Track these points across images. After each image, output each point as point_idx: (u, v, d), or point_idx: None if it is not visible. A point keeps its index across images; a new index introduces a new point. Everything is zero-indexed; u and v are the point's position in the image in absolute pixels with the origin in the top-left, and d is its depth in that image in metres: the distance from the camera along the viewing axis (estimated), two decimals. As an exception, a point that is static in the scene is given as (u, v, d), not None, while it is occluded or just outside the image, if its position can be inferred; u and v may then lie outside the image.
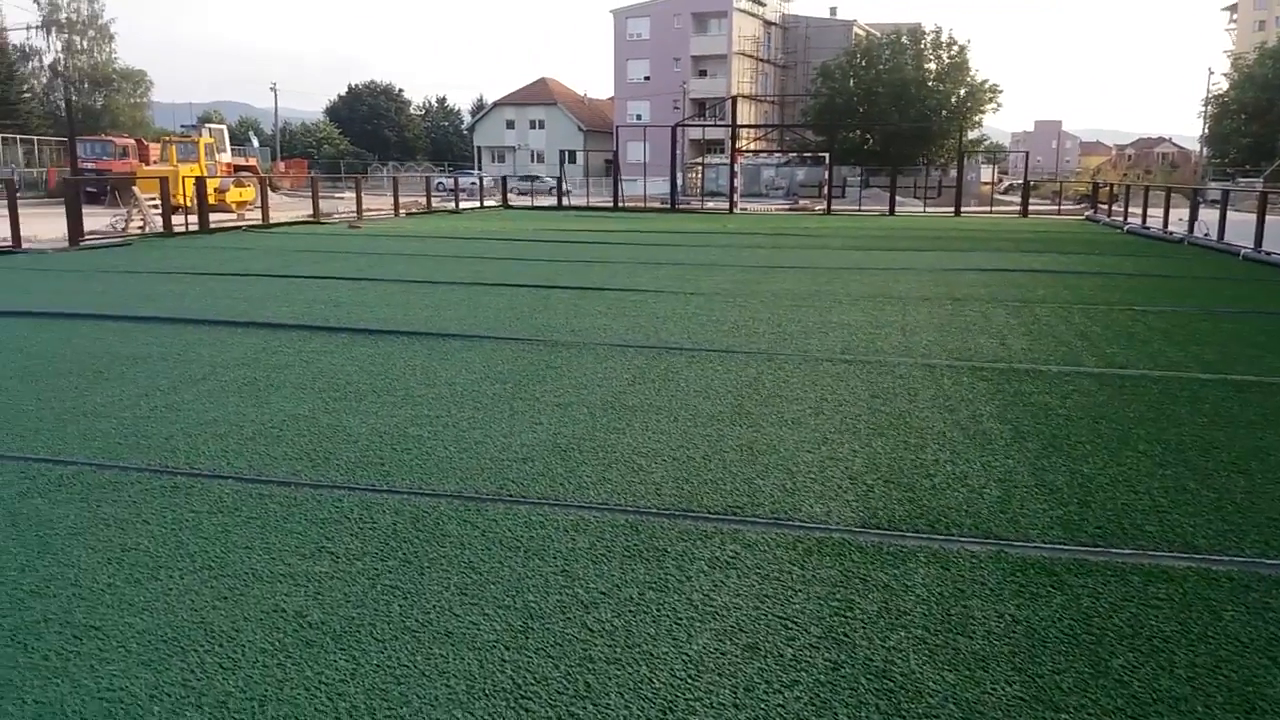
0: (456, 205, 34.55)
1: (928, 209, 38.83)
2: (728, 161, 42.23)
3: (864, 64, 60.27)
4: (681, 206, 39.37)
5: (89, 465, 4.55)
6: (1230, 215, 19.33)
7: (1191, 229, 20.63)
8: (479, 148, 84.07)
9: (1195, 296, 11.31)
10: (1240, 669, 2.83)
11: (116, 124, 57.54)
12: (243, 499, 4.13)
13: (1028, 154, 45.08)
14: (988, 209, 39.75)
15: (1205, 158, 66.55)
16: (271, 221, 24.12)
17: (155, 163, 34.48)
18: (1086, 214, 34.52)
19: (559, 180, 41.16)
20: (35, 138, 52.18)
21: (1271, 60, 57.69)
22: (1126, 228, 24.87)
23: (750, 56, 74.33)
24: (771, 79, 77.56)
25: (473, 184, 43.61)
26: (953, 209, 36.02)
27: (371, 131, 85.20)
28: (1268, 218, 17.44)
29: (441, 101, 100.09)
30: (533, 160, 78.23)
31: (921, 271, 13.86)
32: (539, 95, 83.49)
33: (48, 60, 61.31)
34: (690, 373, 6.67)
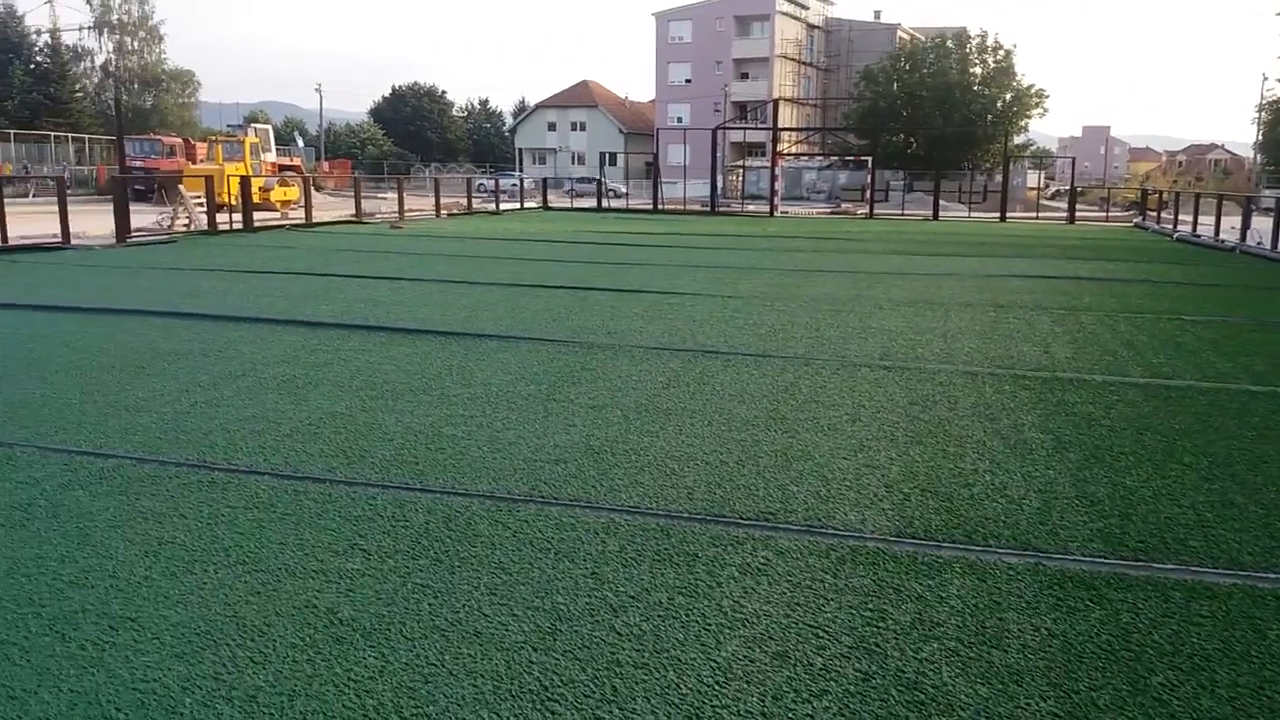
0: (497, 206, 34.75)
1: (972, 214, 38.43)
2: (768, 164, 42.07)
3: (908, 67, 59.79)
4: (721, 209, 39.30)
5: (129, 459, 4.61)
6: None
7: (1244, 237, 20.23)
8: (520, 149, 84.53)
9: (1246, 306, 11.08)
10: (1285, 690, 2.75)
11: (165, 123, 58.56)
12: (278, 495, 4.16)
13: (1074, 159, 44.41)
14: (1033, 215, 39.25)
15: (1259, 164, 65.23)
16: (314, 221, 24.40)
17: (202, 162, 35.06)
18: (1135, 221, 34.00)
19: (599, 182, 41.23)
20: (86, 136, 53.28)
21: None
22: (1176, 235, 24.45)
23: (792, 59, 74.05)
24: (814, 82, 77.21)
25: (513, 185, 43.80)
26: (998, 214, 35.62)
27: (414, 133, 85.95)
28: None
29: (484, 103, 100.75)
30: (573, 162, 78.46)
31: (964, 277, 13.71)
32: (580, 97, 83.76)
33: (99, 60, 62.58)
34: (726, 377, 6.64)
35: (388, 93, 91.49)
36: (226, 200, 23.42)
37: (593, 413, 5.58)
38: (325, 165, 60.97)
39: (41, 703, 2.57)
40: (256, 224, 21.84)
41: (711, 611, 3.15)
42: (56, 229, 16.63)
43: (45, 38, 60.26)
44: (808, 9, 75.68)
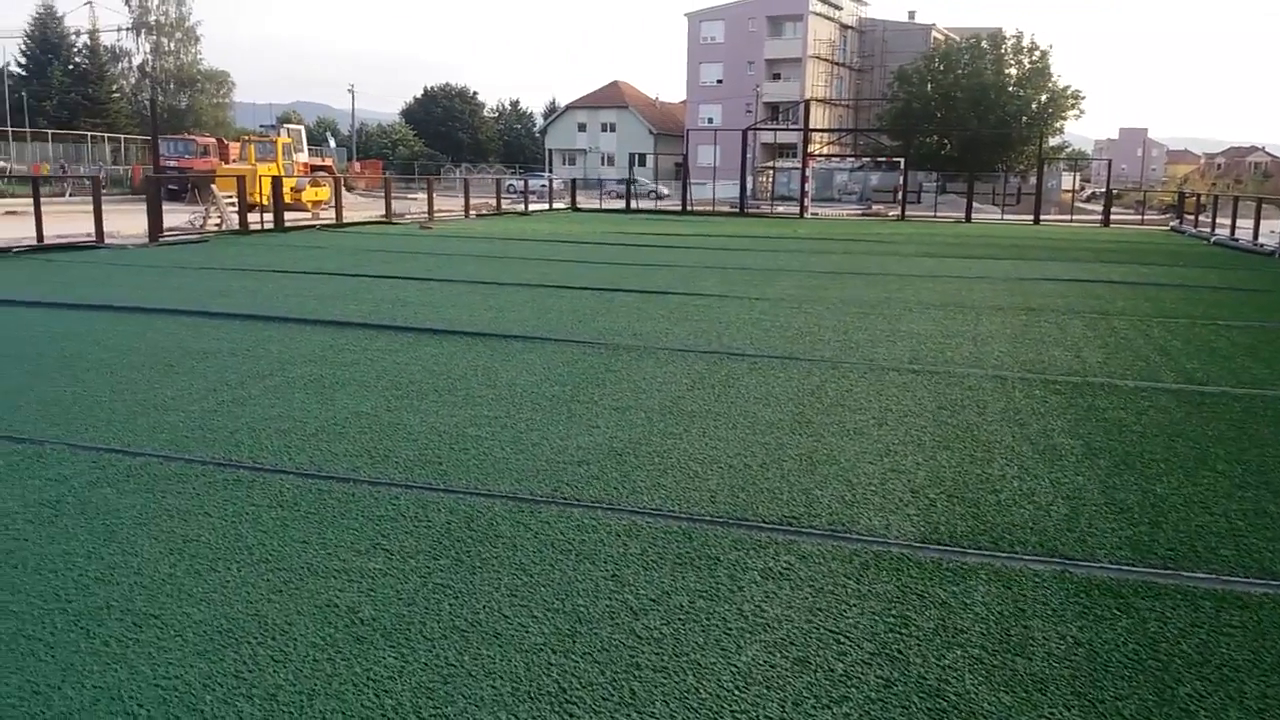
0: (525, 207, 34.83)
1: (1005, 216, 38.09)
2: (799, 165, 41.92)
3: (942, 68, 59.34)
4: (751, 211, 39.20)
5: (157, 457, 4.65)
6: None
7: (1282, 241, 19.92)
8: (550, 150, 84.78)
9: (1282, 311, 10.90)
10: (1318, 704, 2.69)
11: (200, 123, 59.26)
12: (302, 494, 4.19)
13: (1110, 162, 43.93)
14: (1068, 218, 38.85)
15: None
16: (345, 221, 24.58)
17: (235, 161, 35.41)
18: (1171, 224, 33.57)
19: (628, 183, 41.24)
20: (122, 136, 54.00)
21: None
22: (1214, 239, 24.11)
23: (825, 60, 73.74)
24: (846, 83, 76.85)
25: (542, 186, 43.90)
26: (1031, 217, 35.30)
27: (445, 133, 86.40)
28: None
29: (515, 104, 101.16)
30: (603, 163, 78.56)
31: (996, 280, 13.58)
32: (611, 98, 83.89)
33: (136, 61, 63.46)
34: (751, 379, 6.61)
35: (420, 93, 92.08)
36: (258, 200, 23.64)
37: (616, 414, 5.58)
38: (357, 165, 61.44)
39: (65, 698, 2.59)
40: (288, 224, 22.03)
41: (732, 616, 3.13)
42: (91, 228, 16.86)
43: (84, 39, 61.25)
44: (841, 9, 75.35)
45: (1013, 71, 58.45)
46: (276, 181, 23.16)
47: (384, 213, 26.67)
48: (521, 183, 42.83)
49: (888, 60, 70.82)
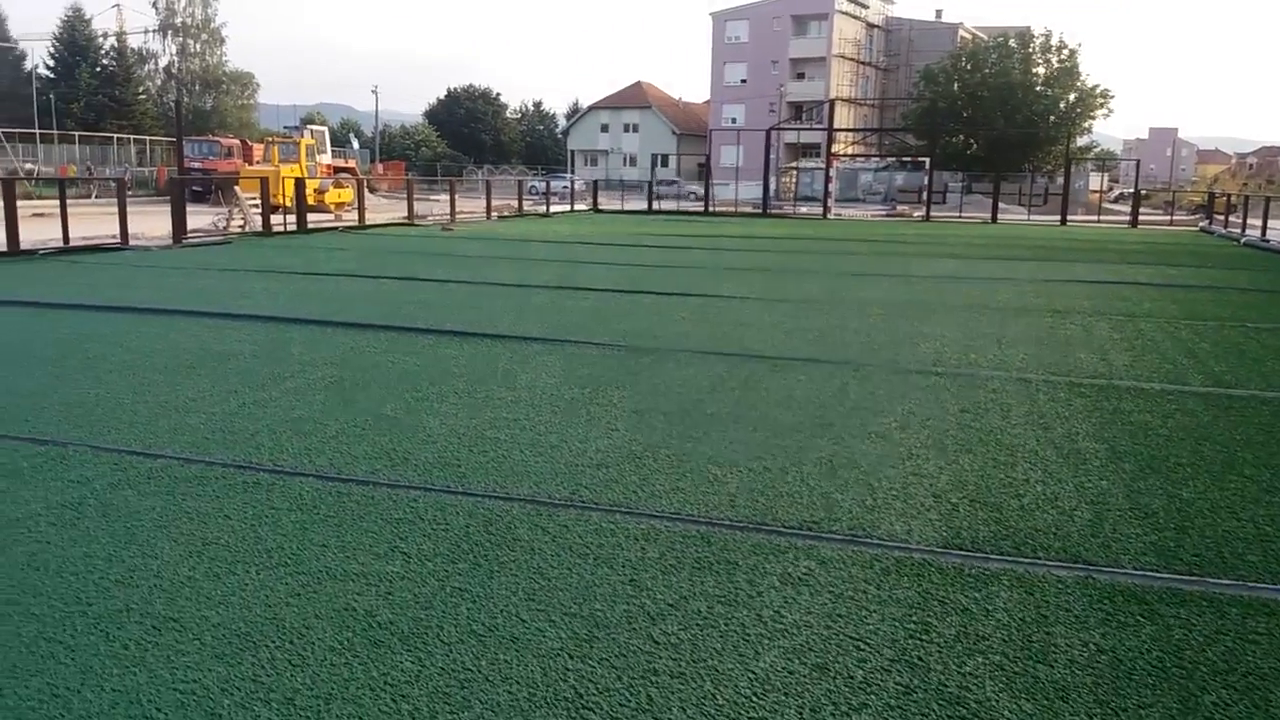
0: (547, 208, 34.91)
1: (1032, 217, 37.83)
2: (823, 166, 41.76)
3: (969, 67, 58.98)
4: (774, 211, 39.10)
5: (177, 459, 4.68)
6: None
7: (1313, 241, 19.65)
8: (572, 151, 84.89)
9: (1313, 312, 10.74)
10: (1348, 716, 2.64)
11: (224, 124, 59.79)
12: (322, 496, 4.19)
13: (1139, 162, 43.48)
14: (1095, 218, 38.53)
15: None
16: (367, 222, 24.70)
17: (259, 163, 35.64)
18: (1201, 225, 33.22)
19: (650, 184, 41.22)
20: (148, 138, 54.54)
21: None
22: (1244, 240, 23.83)
23: (850, 59, 73.44)
24: (872, 82, 76.52)
25: (564, 187, 43.97)
26: (1058, 218, 35.03)
27: (468, 134, 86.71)
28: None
29: (537, 105, 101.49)
30: (625, 164, 78.59)
31: (1022, 282, 13.48)
32: (634, 99, 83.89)
33: (162, 63, 64.10)
34: (772, 382, 6.57)
35: (443, 94, 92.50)
36: (281, 202, 23.79)
37: (635, 417, 5.56)
38: (379, 167, 61.75)
39: (84, 701, 2.60)
40: (311, 225, 22.16)
41: (751, 621, 3.10)
42: (116, 230, 17.02)
43: (111, 41, 61.91)
44: (867, 8, 75.01)
45: (1040, 71, 58.03)
46: (300, 183, 23.30)
47: (406, 214, 26.78)
48: (543, 184, 42.93)
49: (914, 59, 70.48)
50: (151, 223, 20.00)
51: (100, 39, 61.17)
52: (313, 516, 3.95)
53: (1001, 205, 37.16)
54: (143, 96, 61.62)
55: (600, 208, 39.30)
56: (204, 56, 64.06)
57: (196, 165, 35.80)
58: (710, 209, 38.75)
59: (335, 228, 23.54)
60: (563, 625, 3.06)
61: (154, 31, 62.80)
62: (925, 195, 38.47)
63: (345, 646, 2.90)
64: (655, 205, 39.47)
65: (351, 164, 41.97)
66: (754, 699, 2.66)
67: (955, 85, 58.63)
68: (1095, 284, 13.32)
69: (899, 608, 3.22)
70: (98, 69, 59.24)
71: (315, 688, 2.68)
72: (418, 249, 17.79)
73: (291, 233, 21.28)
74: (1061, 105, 57.07)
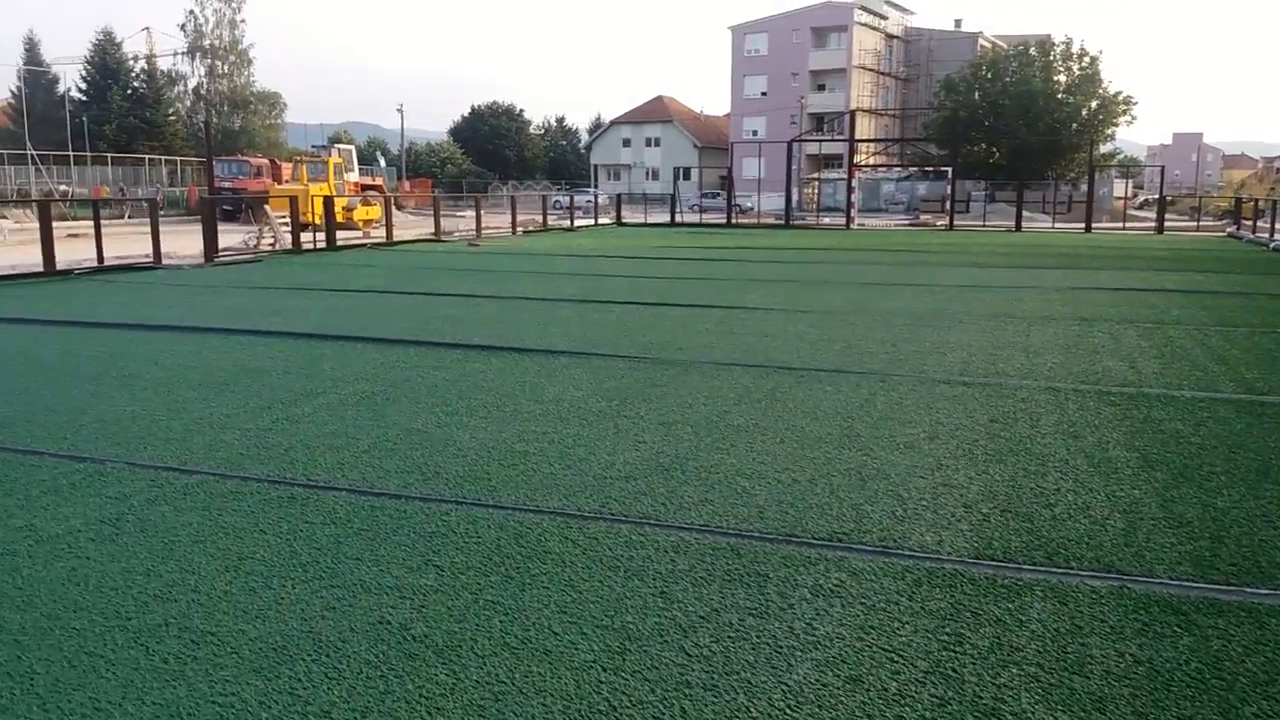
0: (571, 223, 35.04)
1: (1056, 225, 37.63)
2: (845, 176, 41.70)
3: (990, 76, 58.79)
4: (796, 223, 39.07)
5: (213, 475, 4.74)
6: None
7: (1344, 246, 19.41)
8: (595, 166, 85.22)
9: (1347, 318, 10.61)
10: (1391, 726, 2.61)
11: (253, 144, 60.45)
12: (355, 510, 4.23)
13: (1163, 168, 43.16)
14: (1120, 225, 38.24)
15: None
16: (395, 239, 24.89)
17: (287, 182, 36.02)
18: (1228, 231, 32.89)
19: (673, 197, 41.29)
20: (179, 158, 55.27)
21: None
22: (1273, 245, 23.57)
23: (871, 70, 73.42)
24: (892, 92, 76.42)
25: (588, 202, 44.14)
26: (1083, 225, 34.79)
27: (493, 151, 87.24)
28: None
29: (560, 121, 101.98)
30: (647, 178, 78.80)
31: (1048, 290, 13.40)
32: (655, 113, 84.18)
33: (192, 84, 64.91)
34: (798, 393, 6.57)
35: (467, 112, 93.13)
36: (310, 220, 24.02)
37: (663, 429, 5.57)
38: (406, 184, 62.21)
39: (125, 714, 2.64)
40: (339, 243, 22.36)
41: (783, 633, 3.11)
42: (149, 249, 17.25)
43: (142, 64, 62.80)
44: (886, 19, 75.02)
45: (1062, 78, 57.74)
46: (328, 201, 23.53)
47: (433, 231, 26.98)
48: (567, 199, 43.11)
49: (934, 69, 70.38)
50: (183, 242, 20.27)
51: (131, 62, 62.07)
52: (347, 530, 3.99)
53: (1025, 213, 36.96)
54: (173, 118, 62.44)
55: (623, 221, 39.40)
56: (232, 77, 64.81)
57: (227, 185, 36.25)
58: (733, 221, 38.76)
59: (364, 245, 23.74)
60: (595, 638, 3.07)
61: (183, 54, 63.68)
62: (948, 204, 38.31)
63: (381, 660, 2.93)
64: (678, 217, 39.52)
65: (379, 182, 42.33)
66: (787, 711, 2.67)
67: (976, 94, 58.42)
68: (1122, 291, 13.22)
69: (932, 619, 3.21)
70: (129, 91, 60.09)
71: (352, 701, 2.71)
72: (444, 265, 17.92)
73: (321, 250, 21.48)
74: (1084, 113, 56.74)
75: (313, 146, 54.36)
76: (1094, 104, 57.05)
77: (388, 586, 3.44)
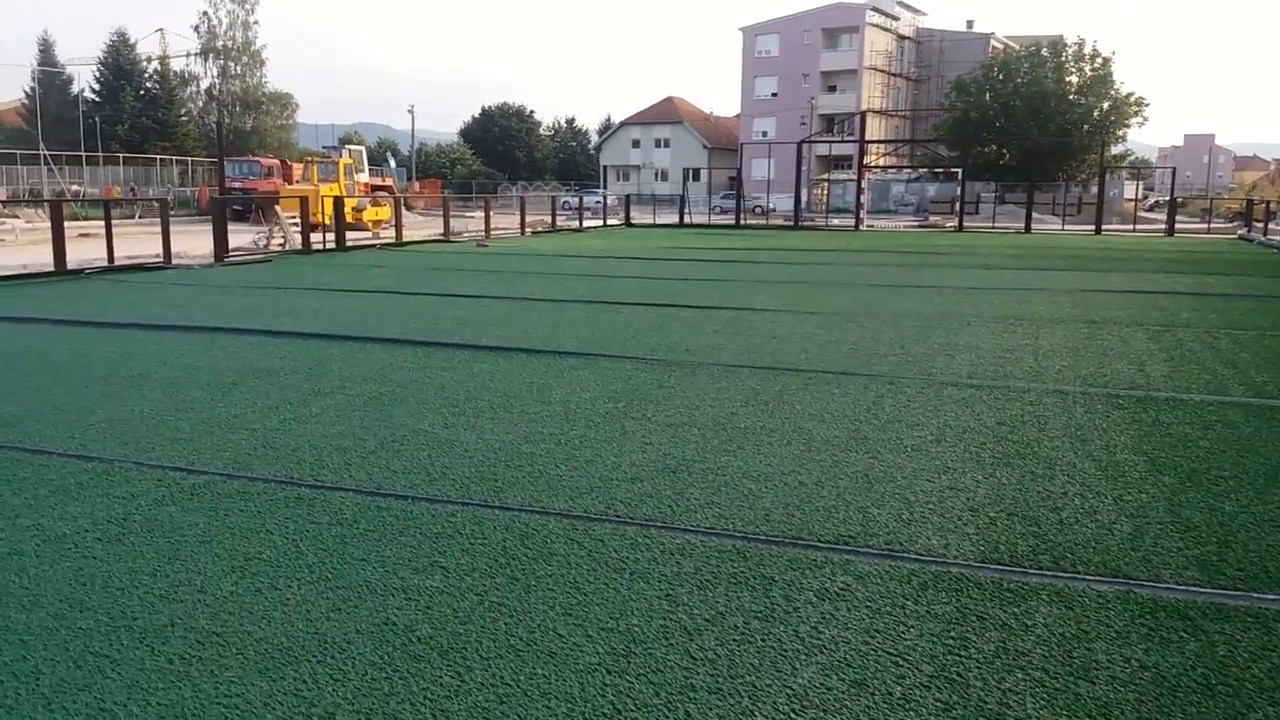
0: (580, 224, 35.06)
1: (1066, 227, 37.50)
2: (855, 177, 41.64)
3: (1001, 77, 58.65)
4: (806, 224, 39.02)
5: (220, 475, 4.75)
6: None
7: (1356, 248, 19.31)
8: (604, 167, 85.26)
9: (1359, 321, 10.55)
10: (1399, 733, 2.59)
11: (264, 144, 60.60)
12: (362, 511, 4.24)
13: (1174, 170, 42.98)
14: (1131, 227, 38.11)
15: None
16: (404, 240, 24.93)
17: (298, 182, 36.12)
18: (1239, 233, 32.74)
19: (682, 198, 41.28)
20: (190, 159, 55.46)
21: None
22: (1283, 247, 23.45)
23: (882, 71, 73.29)
24: (903, 93, 76.28)
25: (597, 203, 44.17)
26: (1093, 227, 34.68)
27: (503, 152, 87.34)
28: None
29: (570, 122, 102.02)
30: (657, 179, 78.82)
31: (1057, 292, 13.36)
32: (665, 114, 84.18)
33: (204, 85, 65.10)
34: (806, 395, 6.56)
35: (477, 113, 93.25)
36: (320, 220, 24.08)
37: (669, 431, 5.57)
38: (416, 185, 62.35)
39: (130, 715, 2.65)
40: (349, 243, 22.41)
41: (788, 637, 3.10)
42: (160, 249, 17.31)
43: (155, 64, 63.02)
44: (898, 20, 74.89)
45: (1074, 79, 57.58)
46: (338, 201, 23.58)
47: (442, 231, 27.02)
48: (576, 199, 43.13)
49: (945, 70, 70.22)
50: (194, 242, 20.34)
51: (144, 63, 62.28)
52: (353, 531, 4.00)
53: (1035, 215, 36.87)
54: (185, 118, 62.62)
55: (632, 222, 39.41)
56: (244, 78, 64.96)
57: (237, 185, 36.35)
58: (741, 222, 38.73)
59: (373, 245, 23.79)
60: (600, 640, 3.07)
61: (196, 55, 63.86)
62: (958, 206, 38.23)
63: (386, 661, 2.93)
64: (687, 219, 39.52)
65: (389, 182, 42.42)
66: (792, 715, 2.66)
67: (987, 95, 58.30)
68: (1131, 294, 13.17)
69: (937, 623, 3.20)
70: (141, 92, 60.30)
71: (357, 703, 2.71)
72: (454, 265, 17.95)
73: (330, 250, 21.53)
74: (1095, 114, 56.56)
75: (323, 147, 54.53)
76: (1105, 105, 56.87)
77: (393, 588, 3.45)
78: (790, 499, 4.40)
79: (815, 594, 3.42)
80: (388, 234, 27.15)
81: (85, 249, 17.85)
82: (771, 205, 47.06)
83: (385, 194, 36.03)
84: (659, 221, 40.05)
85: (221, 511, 4.24)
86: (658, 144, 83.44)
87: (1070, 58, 57.98)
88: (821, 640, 3.08)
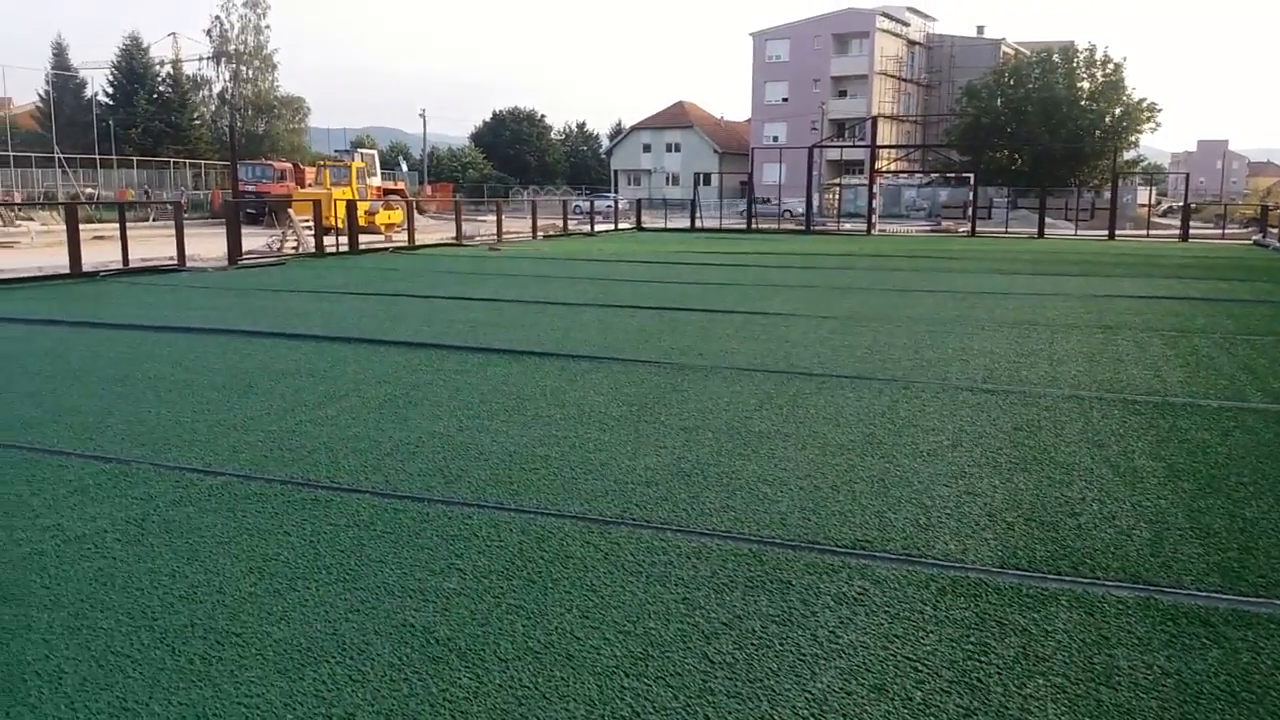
0: (592, 228, 35.09)
1: (1079, 232, 37.36)
2: (866, 182, 41.59)
3: (1012, 83, 58.55)
4: (817, 229, 38.98)
5: (237, 476, 4.77)
6: None
7: (1372, 254, 19.19)
8: (615, 171, 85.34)
9: (1376, 328, 10.49)
10: None
11: (276, 148, 60.85)
12: (378, 513, 4.25)
13: (1188, 175, 42.80)
14: (1144, 233, 37.94)
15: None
16: (417, 243, 24.98)
17: (310, 185, 36.23)
18: (1254, 238, 32.58)
19: (693, 202, 41.27)
20: (203, 162, 55.74)
21: None
22: (1298, 253, 23.33)
23: (892, 76, 73.25)
24: (914, 99, 76.21)
25: (608, 207, 44.20)
26: (1106, 232, 34.55)
27: (514, 156, 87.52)
28: None
29: (581, 126, 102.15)
30: (667, 183, 78.87)
31: (1071, 297, 13.31)
32: (676, 118, 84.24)
33: (217, 89, 65.44)
34: (820, 399, 6.55)
35: (489, 117, 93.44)
36: (333, 223, 24.15)
37: (684, 434, 5.57)
38: (428, 189, 62.48)
39: (151, 714, 2.66)
40: (362, 246, 22.47)
41: (806, 641, 3.09)
42: (173, 252, 17.39)
43: (168, 69, 63.39)
44: (909, 26, 74.85)
45: (1085, 85, 57.46)
46: (351, 205, 23.66)
47: (454, 235, 27.08)
48: (587, 203, 43.17)
49: (956, 75, 70.12)
50: (207, 244, 20.42)
51: (157, 67, 62.69)
52: (370, 533, 4.01)
53: (1048, 220, 36.76)
54: (198, 122, 62.98)
55: (644, 226, 39.43)
56: (256, 82, 65.27)
57: (250, 188, 36.47)
58: (752, 227, 38.71)
59: (386, 248, 23.85)
60: (617, 643, 3.07)
61: (208, 59, 64.21)
62: (970, 211, 38.14)
63: (404, 663, 2.94)
64: (698, 223, 39.52)
65: (401, 186, 42.50)
66: None
67: (999, 100, 58.21)
68: (1146, 299, 13.11)
69: (956, 628, 3.19)
70: (155, 96, 60.67)
71: (376, 704, 2.71)
72: (466, 269, 17.98)
73: (343, 253, 21.60)
74: (1107, 119, 56.41)
75: (335, 151, 54.73)
76: (1117, 111, 56.73)
77: (411, 589, 3.45)
78: (806, 503, 4.40)
79: (833, 598, 3.41)
80: (400, 237, 27.21)
81: (100, 251, 17.93)
82: (789, 209, 46.97)
83: (397, 198, 36.13)
84: (670, 225, 40.04)
85: (239, 513, 4.25)
86: (668, 148, 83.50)
87: (1082, 63, 57.87)
88: (840, 645, 3.07)
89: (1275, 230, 30.44)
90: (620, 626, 3.18)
